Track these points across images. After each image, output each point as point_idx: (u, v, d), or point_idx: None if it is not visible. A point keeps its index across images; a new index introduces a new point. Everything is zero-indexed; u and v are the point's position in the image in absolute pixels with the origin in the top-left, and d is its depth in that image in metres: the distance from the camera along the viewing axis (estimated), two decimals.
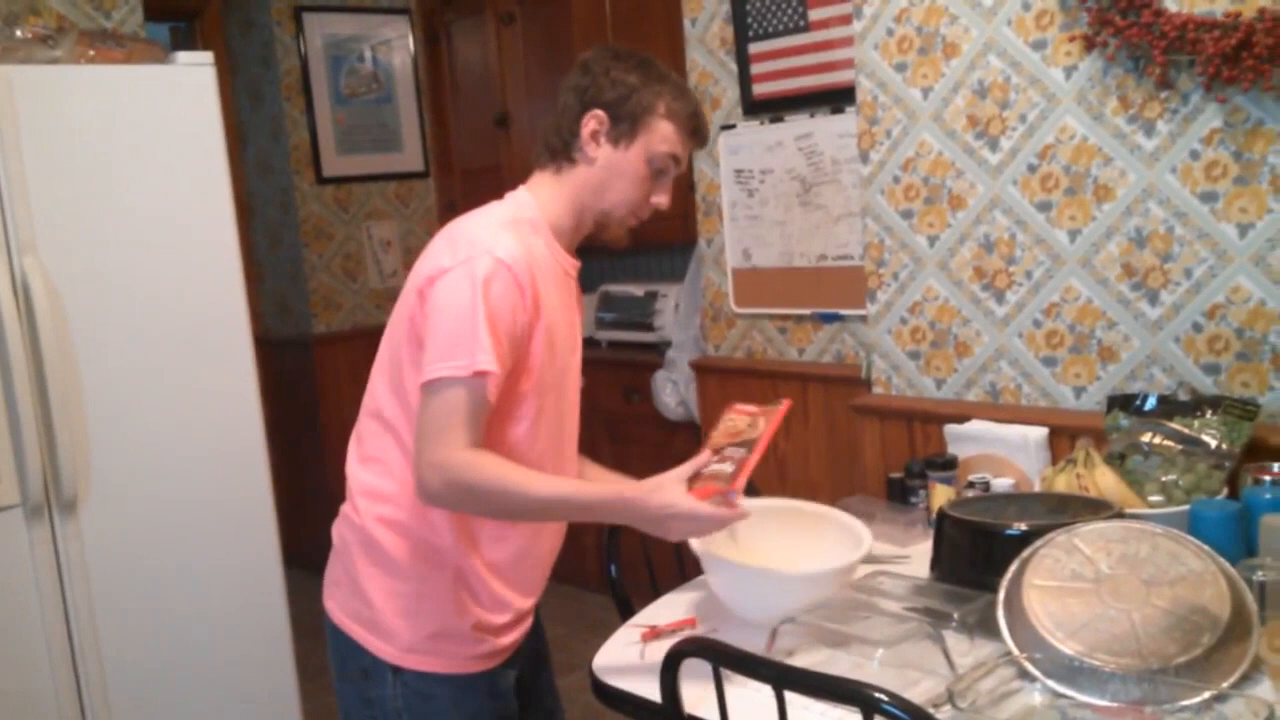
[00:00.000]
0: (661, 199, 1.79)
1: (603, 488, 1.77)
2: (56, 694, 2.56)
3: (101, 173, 2.59)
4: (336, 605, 1.80)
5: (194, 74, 2.74)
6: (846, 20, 2.97)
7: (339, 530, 1.82)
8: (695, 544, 1.88)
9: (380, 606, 1.74)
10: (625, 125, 1.74)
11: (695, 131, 1.80)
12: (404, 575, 1.73)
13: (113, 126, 2.61)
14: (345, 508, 1.82)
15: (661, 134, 1.75)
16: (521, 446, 1.70)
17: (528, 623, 1.89)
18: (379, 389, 1.77)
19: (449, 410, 1.59)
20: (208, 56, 2.77)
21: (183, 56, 2.76)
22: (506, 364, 1.62)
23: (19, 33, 2.61)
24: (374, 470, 1.76)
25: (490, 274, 1.61)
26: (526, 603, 1.84)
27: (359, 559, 1.76)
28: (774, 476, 3.31)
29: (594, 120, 1.74)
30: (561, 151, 1.76)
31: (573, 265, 1.81)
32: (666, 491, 1.67)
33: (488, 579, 1.76)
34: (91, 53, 2.68)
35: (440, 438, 1.59)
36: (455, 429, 1.59)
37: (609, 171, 1.75)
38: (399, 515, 1.73)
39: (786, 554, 1.90)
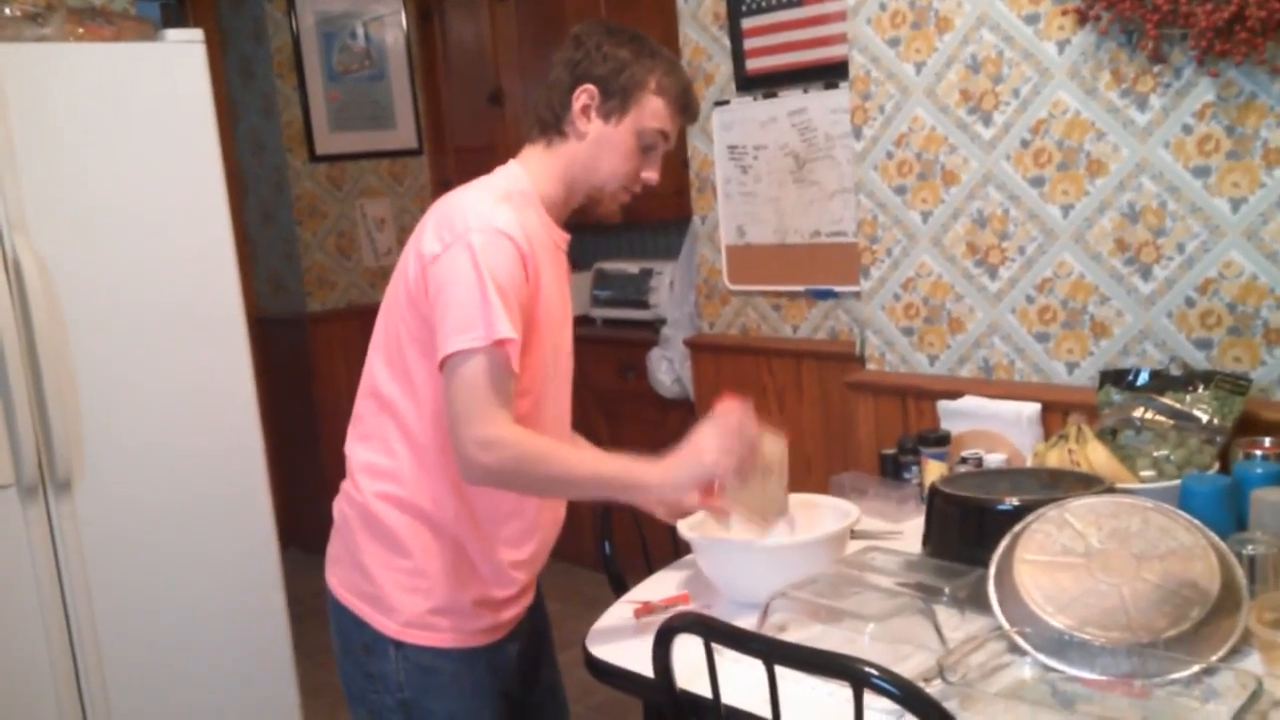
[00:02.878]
0: (651, 174, 1.81)
1: (633, 465, 1.71)
2: (53, 674, 2.56)
3: (92, 151, 2.58)
4: (338, 581, 1.82)
5: (184, 51, 2.72)
6: None
7: (339, 507, 1.83)
8: (684, 529, 1.89)
9: (381, 582, 1.75)
10: (616, 100, 1.74)
11: (685, 108, 1.80)
12: (404, 551, 1.74)
13: (102, 104, 2.60)
14: (345, 484, 1.83)
15: (652, 109, 1.76)
16: (527, 423, 1.69)
17: (529, 597, 1.90)
18: (376, 367, 1.78)
19: (478, 384, 1.58)
20: (198, 34, 2.75)
21: (172, 34, 2.74)
22: (520, 331, 1.62)
23: (7, 10, 2.60)
24: (373, 447, 1.77)
25: (492, 245, 1.62)
26: (529, 575, 1.85)
27: (360, 535, 1.77)
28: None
29: (585, 95, 1.75)
30: (552, 125, 1.77)
31: (563, 239, 1.82)
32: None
33: (489, 552, 1.77)
34: (80, 30, 2.67)
35: (482, 414, 1.58)
36: (493, 403, 1.59)
37: (599, 146, 1.76)
38: (398, 491, 1.74)
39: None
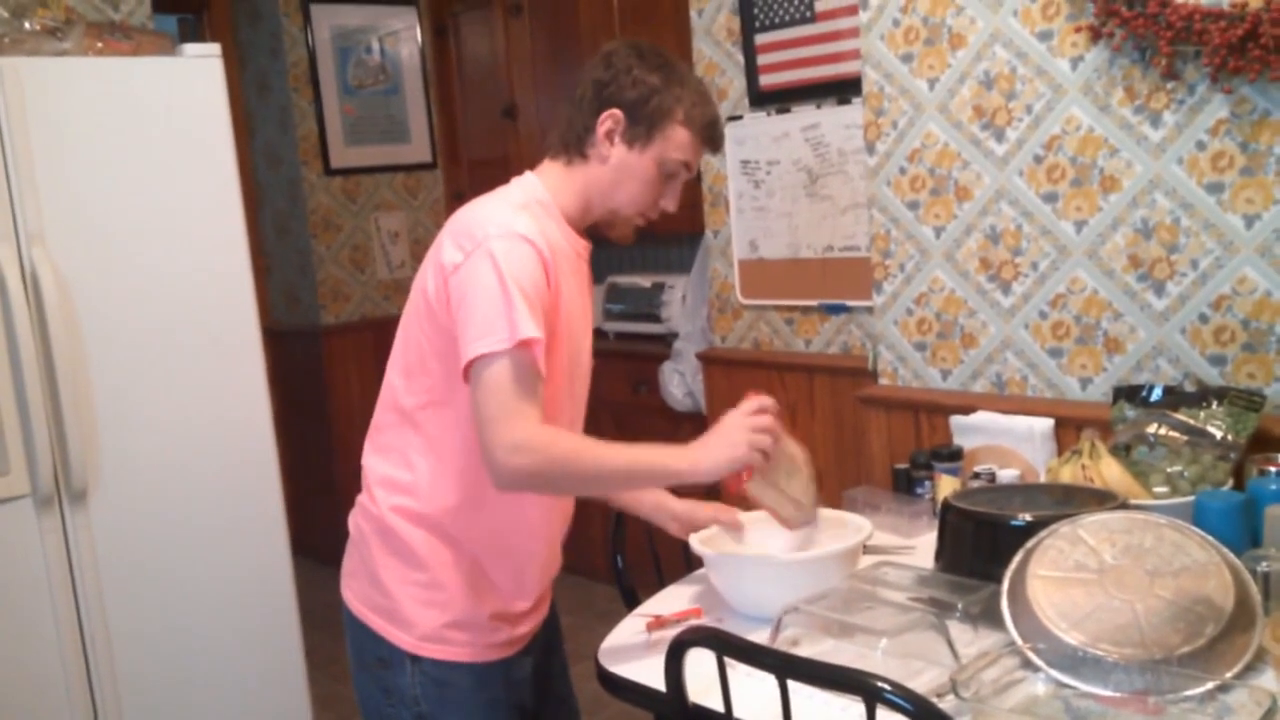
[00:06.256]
0: (669, 203, 1.80)
1: (663, 451, 1.72)
2: (67, 683, 2.57)
3: (109, 164, 2.60)
4: (354, 595, 1.82)
5: (201, 65, 2.74)
6: (853, 11, 2.96)
7: (355, 520, 1.83)
8: (696, 543, 1.89)
9: (397, 596, 1.75)
10: (642, 128, 1.73)
11: (711, 139, 1.79)
12: (421, 564, 1.74)
13: (121, 118, 2.62)
14: (362, 498, 1.82)
15: (677, 140, 1.75)
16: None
17: (544, 611, 1.90)
18: (396, 380, 1.77)
19: (504, 387, 1.57)
20: (215, 48, 2.78)
21: (190, 48, 2.76)
22: (544, 332, 1.61)
23: (27, 25, 2.63)
24: (391, 461, 1.77)
25: (514, 250, 1.61)
26: (544, 586, 1.85)
27: (376, 549, 1.77)
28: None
29: (611, 119, 1.73)
30: (574, 145, 1.76)
31: (584, 247, 1.82)
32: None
33: (506, 565, 1.77)
34: (99, 45, 2.69)
35: (510, 417, 1.57)
36: (520, 405, 1.57)
37: (621, 172, 1.75)
38: (416, 505, 1.74)
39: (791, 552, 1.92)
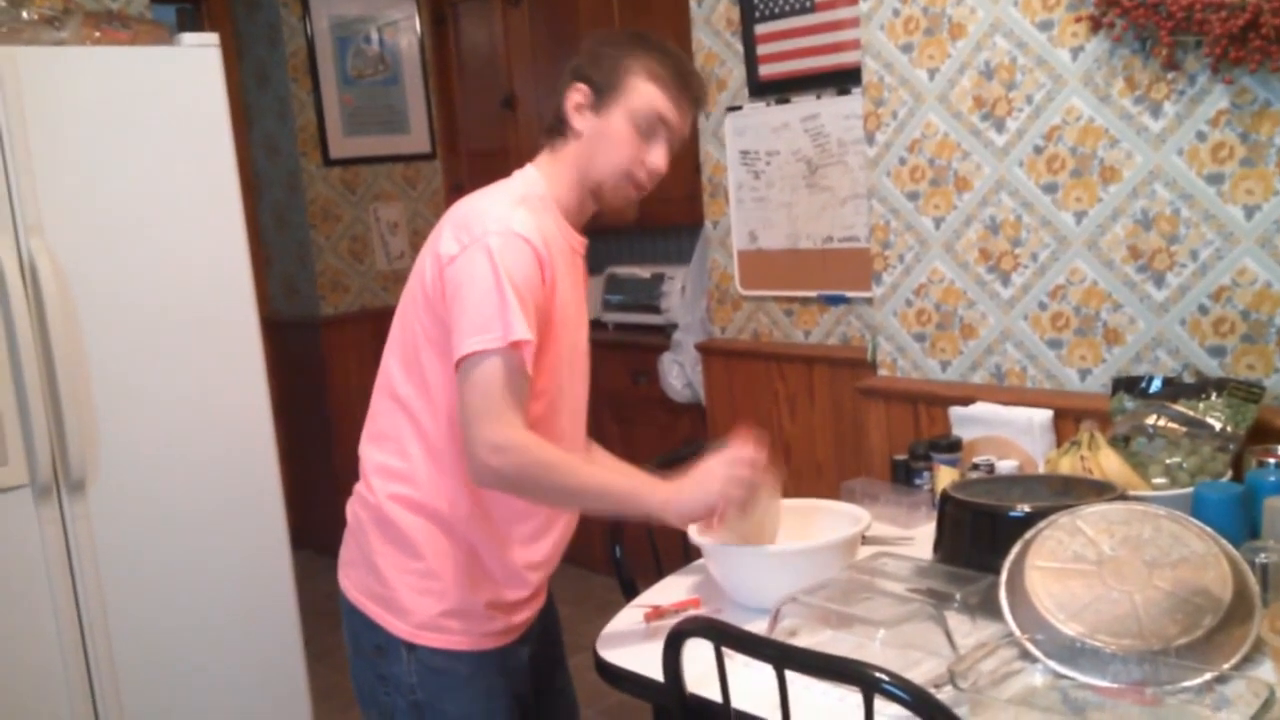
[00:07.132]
0: (656, 159, 1.77)
1: (641, 481, 1.75)
2: (66, 673, 2.57)
3: (107, 154, 2.60)
4: (351, 583, 1.82)
5: (200, 55, 2.73)
6: (853, 1, 2.96)
7: (353, 508, 1.84)
8: (695, 534, 1.89)
9: (394, 584, 1.75)
10: (605, 92, 1.75)
11: (684, 88, 1.78)
12: (418, 553, 1.75)
13: (118, 108, 2.61)
14: (359, 486, 1.83)
15: (640, 92, 1.75)
16: (542, 425, 1.70)
17: (541, 600, 1.91)
18: (392, 368, 1.78)
19: (492, 386, 1.59)
20: (213, 38, 2.77)
21: (188, 38, 2.75)
22: (536, 334, 1.63)
23: (25, 14, 2.61)
24: (387, 449, 1.78)
25: (509, 247, 1.63)
26: (542, 577, 1.85)
27: (373, 537, 1.78)
28: (779, 459, 3.31)
29: (577, 93, 1.77)
30: (555, 128, 1.80)
31: (580, 243, 1.83)
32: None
33: (502, 554, 1.77)
34: (97, 34, 2.69)
35: (495, 416, 1.59)
36: (507, 407, 1.59)
37: (595, 140, 1.76)
38: (413, 493, 1.75)
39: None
